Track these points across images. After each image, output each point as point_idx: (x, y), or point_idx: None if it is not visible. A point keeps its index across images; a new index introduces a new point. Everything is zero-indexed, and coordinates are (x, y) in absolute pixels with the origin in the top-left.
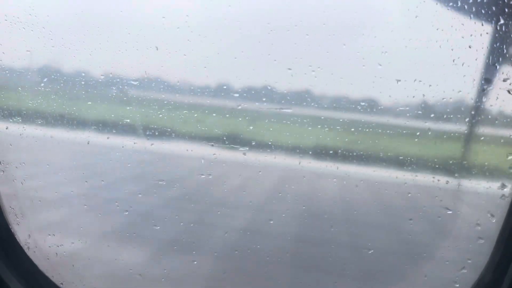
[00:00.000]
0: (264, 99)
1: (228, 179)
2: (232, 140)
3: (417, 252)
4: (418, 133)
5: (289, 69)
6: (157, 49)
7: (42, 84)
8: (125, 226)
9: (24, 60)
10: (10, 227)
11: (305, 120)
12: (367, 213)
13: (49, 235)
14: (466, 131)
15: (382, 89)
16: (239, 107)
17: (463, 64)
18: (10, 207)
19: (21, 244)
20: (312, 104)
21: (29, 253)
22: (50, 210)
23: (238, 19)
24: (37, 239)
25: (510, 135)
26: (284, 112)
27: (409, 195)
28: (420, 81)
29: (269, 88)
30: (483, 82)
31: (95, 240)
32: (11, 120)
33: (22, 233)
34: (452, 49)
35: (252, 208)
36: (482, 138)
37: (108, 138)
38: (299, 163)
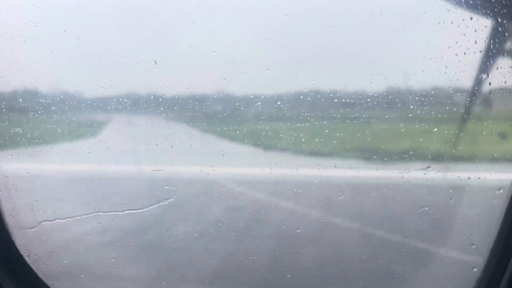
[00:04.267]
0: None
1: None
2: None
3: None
4: (419, 130)
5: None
6: (155, 63)
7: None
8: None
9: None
10: (11, 236)
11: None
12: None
13: (50, 243)
14: (463, 127)
15: (382, 86)
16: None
17: (459, 62)
18: (11, 216)
19: (21, 253)
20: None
21: (30, 261)
22: (50, 217)
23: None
24: (37, 247)
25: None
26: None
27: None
28: (421, 81)
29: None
30: (480, 78)
31: (97, 248)
32: (12, 130)
33: (23, 241)
34: (449, 47)
35: None
36: (480, 131)
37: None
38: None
